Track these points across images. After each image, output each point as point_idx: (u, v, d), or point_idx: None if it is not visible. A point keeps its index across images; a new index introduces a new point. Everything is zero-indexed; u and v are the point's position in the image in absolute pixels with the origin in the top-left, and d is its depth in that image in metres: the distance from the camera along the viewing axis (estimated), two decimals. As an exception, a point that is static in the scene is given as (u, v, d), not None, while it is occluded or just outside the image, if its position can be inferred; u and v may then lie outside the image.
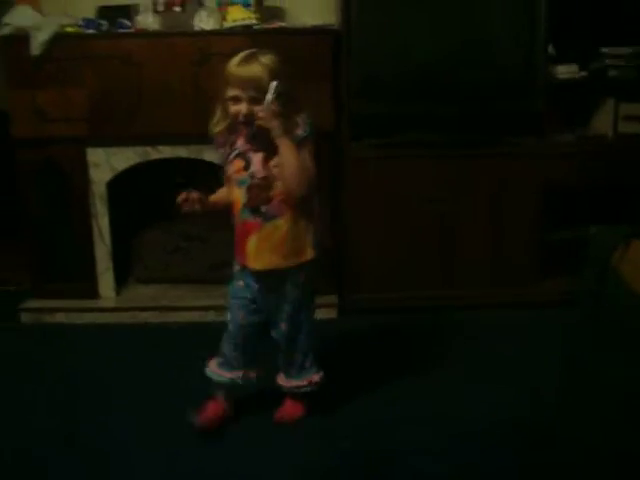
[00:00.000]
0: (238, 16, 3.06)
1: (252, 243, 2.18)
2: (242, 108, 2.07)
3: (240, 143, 2.18)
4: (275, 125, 2.05)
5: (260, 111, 2.05)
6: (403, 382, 2.60)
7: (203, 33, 3.07)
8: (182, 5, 3.12)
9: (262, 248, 2.18)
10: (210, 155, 3.03)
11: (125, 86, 3.07)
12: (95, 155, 3.20)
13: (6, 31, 3.09)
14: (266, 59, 2.09)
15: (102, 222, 3.24)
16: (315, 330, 2.39)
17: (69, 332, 3.16)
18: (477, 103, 3.14)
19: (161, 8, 3.12)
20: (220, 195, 2.31)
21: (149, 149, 3.20)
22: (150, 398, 2.51)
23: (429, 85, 3.10)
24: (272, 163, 2.13)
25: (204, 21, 3.07)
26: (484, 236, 3.22)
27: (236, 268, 2.31)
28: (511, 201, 3.20)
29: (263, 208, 2.15)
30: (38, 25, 3.05)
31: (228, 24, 3.07)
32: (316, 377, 2.37)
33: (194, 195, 2.18)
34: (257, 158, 2.15)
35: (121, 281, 3.43)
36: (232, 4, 3.09)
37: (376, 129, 3.15)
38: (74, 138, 3.15)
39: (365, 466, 2.12)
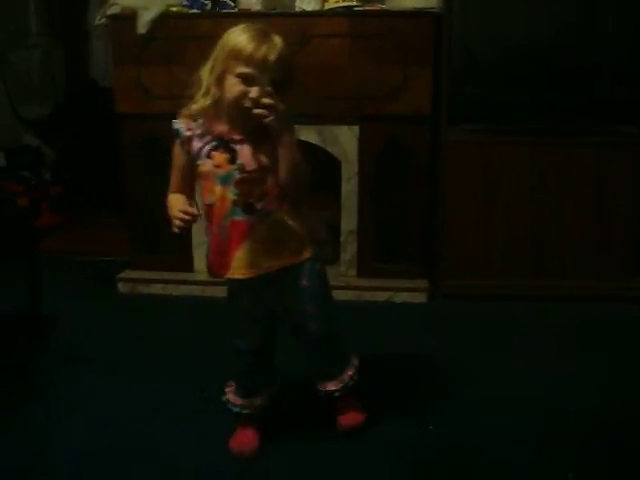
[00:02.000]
0: (340, -3, 3.07)
1: (245, 248, 1.87)
2: (253, 91, 1.72)
3: (219, 131, 1.86)
4: (274, 121, 1.72)
5: (265, 101, 1.71)
6: (484, 369, 2.57)
7: (304, 14, 3.08)
8: (285, -14, 3.14)
9: (258, 251, 1.87)
10: (308, 135, 3.11)
11: (226, 65, 3.12)
12: (194, 132, 3.27)
13: (114, 10, 3.19)
14: (279, 39, 1.78)
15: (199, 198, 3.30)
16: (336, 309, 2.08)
17: (162, 302, 3.28)
18: (580, 90, 3.05)
19: (264, -12, 3.15)
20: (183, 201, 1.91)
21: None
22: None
23: (531, 70, 3.02)
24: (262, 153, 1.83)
25: (305, 2, 3.09)
26: (582, 227, 3.15)
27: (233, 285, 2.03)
28: (611, 191, 3.11)
29: (258, 205, 1.85)
30: (145, 5, 3.13)
31: (330, 5, 3.08)
32: (353, 366, 2.12)
33: (196, 212, 1.83)
34: (245, 148, 1.83)
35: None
36: (334, -15, 3.09)
37: (475, 114, 3.11)
38: (175, 114, 3.22)
39: (452, 449, 2.09)
